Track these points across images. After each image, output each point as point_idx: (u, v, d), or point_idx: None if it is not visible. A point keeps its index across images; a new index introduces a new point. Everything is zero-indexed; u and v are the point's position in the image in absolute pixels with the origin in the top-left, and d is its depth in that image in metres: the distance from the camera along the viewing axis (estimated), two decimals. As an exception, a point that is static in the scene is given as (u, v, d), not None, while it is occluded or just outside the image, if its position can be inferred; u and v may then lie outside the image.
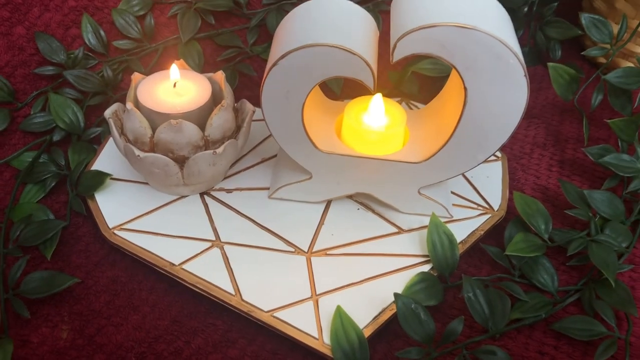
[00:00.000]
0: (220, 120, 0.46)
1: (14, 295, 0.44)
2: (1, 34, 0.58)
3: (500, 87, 0.40)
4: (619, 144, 0.55)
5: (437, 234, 0.46)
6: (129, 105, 0.45)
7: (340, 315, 0.41)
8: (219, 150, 0.46)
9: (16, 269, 0.45)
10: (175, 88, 0.47)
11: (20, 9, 0.59)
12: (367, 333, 0.42)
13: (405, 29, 0.39)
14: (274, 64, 0.41)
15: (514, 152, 0.59)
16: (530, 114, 0.64)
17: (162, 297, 0.45)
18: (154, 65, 0.62)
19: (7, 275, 0.45)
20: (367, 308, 0.43)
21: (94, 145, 0.55)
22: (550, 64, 0.57)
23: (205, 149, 0.47)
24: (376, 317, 0.43)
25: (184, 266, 0.45)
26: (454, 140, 0.44)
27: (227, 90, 0.49)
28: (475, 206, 0.51)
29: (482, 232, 0.49)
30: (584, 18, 0.56)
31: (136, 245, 0.46)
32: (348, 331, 0.41)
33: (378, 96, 0.46)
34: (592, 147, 0.54)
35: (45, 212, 0.49)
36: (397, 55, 0.40)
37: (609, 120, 0.54)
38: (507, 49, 0.38)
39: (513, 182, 0.56)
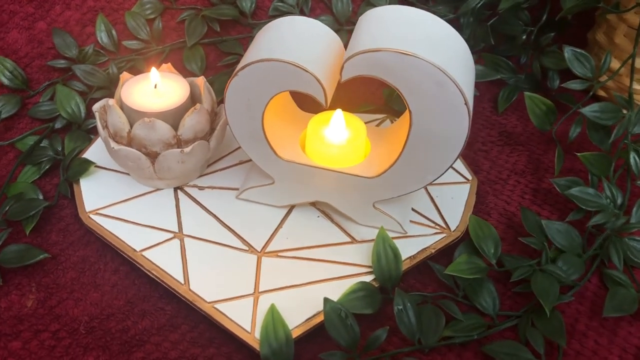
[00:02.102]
0: (192, 121, 0.50)
1: (-7, 262, 0.49)
2: (24, 28, 0.64)
3: (442, 112, 0.42)
4: (589, 178, 0.55)
5: (383, 247, 0.48)
6: (111, 101, 0.50)
7: (272, 313, 0.44)
8: (187, 149, 0.50)
9: (-2, 239, 0.50)
10: (155, 89, 0.51)
11: (44, 6, 0.65)
12: (297, 332, 0.44)
13: (353, 51, 0.41)
14: (235, 74, 0.44)
15: (489, 177, 0.60)
16: (516, 141, 0.65)
17: (123, 279, 0.49)
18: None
19: (-9, 245, 0.50)
20: (303, 309, 0.46)
21: (91, 135, 0.60)
22: (526, 94, 0.58)
23: (177, 147, 0.50)
24: (309, 318, 0.45)
25: (144, 253, 0.49)
26: (402, 160, 0.46)
27: (205, 95, 0.52)
28: (432, 225, 0.53)
29: (434, 251, 0.51)
30: (567, 51, 0.57)
31: (106, 229, 0.50)
32: (277, 328, 0.43)
33: (339, 112, 0.49)
34: (560, 178, 0.55)
35: (36, 192, 0.54)
36: (345, 75, 0.42)
37: (579, 154, 0.55)
38: (447, 77, 0.40)
39: (481, 206, 0.57)
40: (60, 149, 0.58)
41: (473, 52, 0.68)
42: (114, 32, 0.66)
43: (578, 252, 0.51)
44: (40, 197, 0.54)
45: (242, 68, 0.44)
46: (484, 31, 0.66)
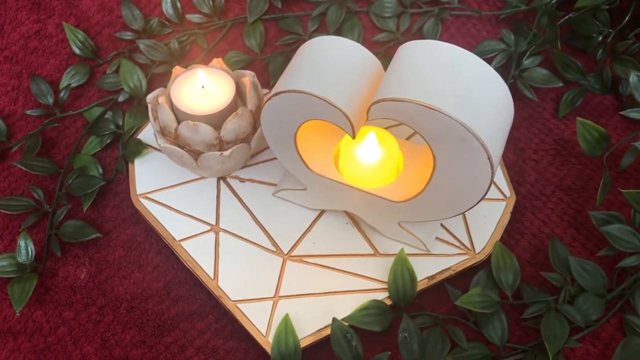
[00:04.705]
0: (233, 125, 0.52)
1: (55, 234, 0.55)
2: (96, -4, 0.67)
3: (465, 163, 0.42)
4: (631, 214, 0.53)
5: (401, 268, 0.50)
6: (161, 99, 0.53)
7: (285, 322, 0.48)
8: (226, 153, 0.52)
9: (60, 213, 0.56)
10: (203, 89, 0.53)
11: (115, -26, 0.68)
12: (307, 342, 0.48)
13: (382, 95, 0.41)
14: (268, 99, 0.45)
15: (533, 191, 0.59)
16: (570, 152, 0.62)
17: (164, 261, 0.55)
18: (220, 40, 0.68)
19: (55, 214, 0.56)
20: (316, 319, 0.49)
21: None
22: (578, 119, 0.55)
23: (220, 148, 0.53)
24: (320, 329, 0.49)
25: (182, 243, 0.53)
26: (425, 194, 0.47)
27: (250, 94, 0.54)
28: (457, 244, 0.54)
29: (453, 272, 0.52)
30: (633, 77, 0.53)
31: (152, 214, 0.55)
32: (288, 337, 0.48)
33: (371, 134, 0.49)
34: (600, 212, 0.53)
35: (97, 166, 0.60)
36: (372, 116, 0.43)
37: (624, 191, 0.53)
38: (471, 134, 0.40)
39: (516, 224, 0.57)
40: (121, 123, 0.63)
41: (540, 53, 0.64)
42: (178, 4, 0.67)
43: (601, 292, 0.50)
44: (100, 171, 0.60)
45: (274, 95, 0.45)
46: (553, 32, 0.62)
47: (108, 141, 0.62)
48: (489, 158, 0.41)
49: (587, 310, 0.50)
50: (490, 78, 0.42)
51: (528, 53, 0.64)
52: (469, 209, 0.46)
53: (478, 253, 0.53)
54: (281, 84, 0.45)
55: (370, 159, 0.50)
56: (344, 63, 0.45)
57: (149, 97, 0.55)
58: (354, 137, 0.45)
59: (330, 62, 0.45)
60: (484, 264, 0.53)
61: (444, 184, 0.45)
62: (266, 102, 0.46)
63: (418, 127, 0.41)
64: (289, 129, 0.47)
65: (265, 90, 0.62)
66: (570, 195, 0.59)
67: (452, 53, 0.42)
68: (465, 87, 0.41)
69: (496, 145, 0.42)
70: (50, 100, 0.63)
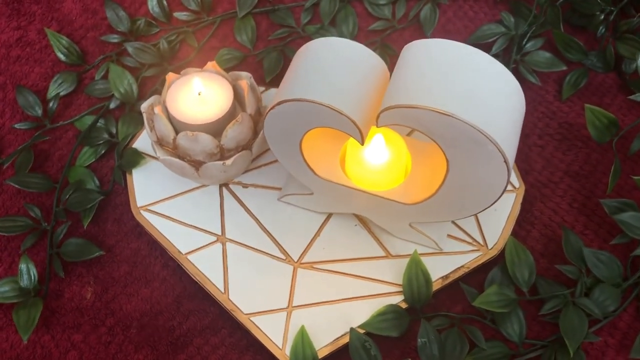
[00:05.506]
0: (234, 132, 0.50)
1: (56, 254, 0.53)
2: (77, -3, 0.64)
3: (480, 166, 0.41)
4: (645, 201, 0.53)
5: (415, 270, 0.49)
6: (157, 110, 0.51)
7: (302, 334, 0.47)
8: (228, 162, 0.51)
9: (60, 231, 0.54)
10: (199, 96, 0.51)
11: (96, -27, 0.65)
12: (325, 352, 0.48)
13: (391, 102, 0.40)
14: (271, 108, 0.44)
15: (540, 178, 0.58)
16: (576, 135, 0.61)
17: (171, 274, 0.53)
18: (210, 37, 0.65)
19: (54, 232, 0.55)
20: (332, 328, 0.48)
21: (143, 116, 0.61)
22: (587, 106, 0.54)
23: (220, 156, 0.52)
24: (337, 338, 0.48)
25: (189, 256, 0.52)
26: (438, 196, 0.45)
27: (249, 98, 0.52)
28: (470, 241, 0.53)
29: (467, 270, 0.51)
30: (641, 58, 0.52)
31: (155, 228, 0.54)
32: (305, 349, 0.47)
33: (379, 136, 0.48)
34: (612, 199, 0.53)
35: (93, 178, 0.58)
36: (381, 123, 0.41)
37: (635, 177, 0.52)
38: (486, 138, 0.38)
39: (526, 214, 0.56)
40: (114, 131, 0.61)
41: (541, 35, 0.63)
42: (165, 2, 0.65)
43: (617, 282, 0.50)
44: (97, 183, 0.58)
45: (278, 104, 0.43)
46: (555, 14, 0.60)
47: (102, 151, 0.59)
48: (505, 161, 0.40)
49: (604, 302, 0.49)
50: (500, 75, 0.41)
51: (528, 35, 0.63)
52: (483, 210, 0.45)
53: (491, 249, 0.52)
54: (285, 91, 0.43)
55: (379, 160, 0.48)
56: (349, 67, 0.43)
57: (144, 107, 0.53)
58: (362, 144, 0.43)
59: (335, 66, 0.43)
60: (497, 259, 0.52)
61: (458, 186, 0.44)
62: (270, 110, 0.44)
63: (430, 133, 0.40)
64: (294, 137, 0.46)
65: (261, 88, 0.60)
66: (578, 181, 0.58)
67: (459, 51, 0.40)
68: (477, 88, 0.39)
69: (511, 145, 0.40)
70: (39, 112, 0.61)
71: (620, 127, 0.55)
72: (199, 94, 0.51)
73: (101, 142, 0.60)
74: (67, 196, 0.56)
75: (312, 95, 0.42)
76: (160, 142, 0.52)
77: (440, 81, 0.39)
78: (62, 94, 0.62)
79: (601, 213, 0.56)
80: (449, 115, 0.38)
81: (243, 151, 0.51)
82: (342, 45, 0.44)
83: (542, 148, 0.60)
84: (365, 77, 0.43)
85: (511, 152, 0.40)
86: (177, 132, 0.51)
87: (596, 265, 0.50)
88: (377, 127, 0.42)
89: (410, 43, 0.43)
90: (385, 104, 0.40)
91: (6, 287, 0.51)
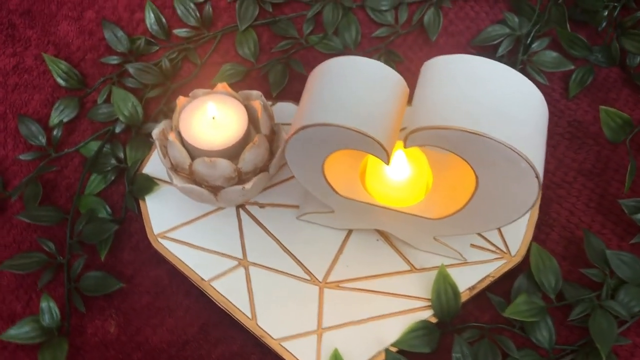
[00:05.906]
0: (252, 156, 0.49)
1: (75, 288, 0.52)
2: (73, 19, 0.63)
3: (511, 182, 0.41)
4: (664, 200, 0.53)
5: (444, 285, 0.49)
6: (171, 136, 0.49)
7: (335, 357, 0.47)
8: (248, 186, 0.50)
9: (77, 265, 0.53)
10: (213, 121, 0.50)
11: (90, -7, 0.63)
12: (359, 373, 0.47)
13: (419, 123, 0.39)
14: (294, 133, 0.43)
15: (554, 179, 0.58)
16: (585, 133, 0.61)
17: (195, 302, 0.53)
18: (212, 53, 0.64)
19: (71, 266, 0.53)
20: (364, 348, 0.48)
21: (151, 138, 0.60)
22: (602, 107, 0.54)
23: (238, 179, 0.51)
24: (370, 359, 0.48)
25: (212, 283, 0.51)
26: (465, 211, 0.45)
27: (263, 119, 0.51)
28: (493, 249, 0.53)
29: (493, 279, 0.51)
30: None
31: (175, 255, 0.53)
32: (340, 373, 0.47)
33: (400, 152, 0.47)
34: (630, 199, 0.53)
35: (104, 206, 0.56)
36: (410, 144, 0.41)
37: (653, 176, 0.52)
38: (519, 156, 0.38)
39: (544, 217, 0.56)
40: (122, 155, 0.59)
41: (545, 34, 0.62)
42: (163, 19, 0.63)
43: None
44: (109, 211, 0.56)
45: (300, 129, 0.42)
46: (560, 13, 0.60)
47: (112, 178, 0.58)
48: (537, 176, 0.40)
49: (630, 303, 0.50)
50: (522, 85, 0.40)
51: (532, 34, 0.62)
52: (511, 222, 0.45)
53: (514, 255, 0.52)
54: (306, 115, 0.42)
55: (401, 177, 0.48)
56: (370, 86, 0.42)
57: (155, 133, 0.52)
58: (388, 164, 0.43)
59: (355, 87, 0.42)
60: (522, 266, 0.52)
61: (486, 201, 0.43)
62: (292, 135, 0.43)
63: (460, 152, 0.40)
64: (317, 160, 0.45)
65: (268, 103, 0.59)
66: (592, 179, 0.58)
67: (481, 66, 0.40)
68: (504, 103, 0.39)
69: (541, 160, 0.40)
70: (43, 141, 0.59)
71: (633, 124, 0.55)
72: (213, 118, 0.50)
73: (109, 168, 0.58)
74: (81, 227, 0.55)
75: (336, 119, 0.41)
76: (175, 169, 0.51)
77: (468, 96, 0.39)
78: (64, 120, 0.60)
79: (617, 211, 0.56)
80: (480, 135, 0.38)
81: (261, 173, 0.51)
82: (360, 64, 0.43)
83: (554, 148, 0.60)
84: (387, 96, 0.43)
85: (541, 167, 0.40)
86: (192, 157, 0.50)
87: (619, 266, 0.50)
88: (405, 147, 0.41)
89: (430, 61, 0.42)
90: (414, 125, 0.39)
91: (27, 328, 0.50)
